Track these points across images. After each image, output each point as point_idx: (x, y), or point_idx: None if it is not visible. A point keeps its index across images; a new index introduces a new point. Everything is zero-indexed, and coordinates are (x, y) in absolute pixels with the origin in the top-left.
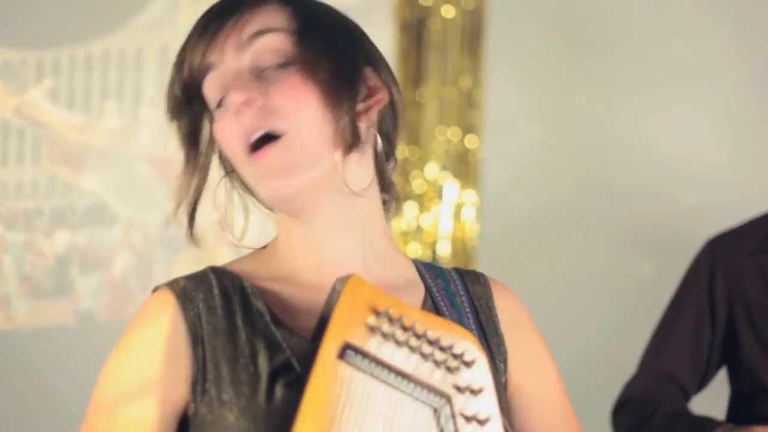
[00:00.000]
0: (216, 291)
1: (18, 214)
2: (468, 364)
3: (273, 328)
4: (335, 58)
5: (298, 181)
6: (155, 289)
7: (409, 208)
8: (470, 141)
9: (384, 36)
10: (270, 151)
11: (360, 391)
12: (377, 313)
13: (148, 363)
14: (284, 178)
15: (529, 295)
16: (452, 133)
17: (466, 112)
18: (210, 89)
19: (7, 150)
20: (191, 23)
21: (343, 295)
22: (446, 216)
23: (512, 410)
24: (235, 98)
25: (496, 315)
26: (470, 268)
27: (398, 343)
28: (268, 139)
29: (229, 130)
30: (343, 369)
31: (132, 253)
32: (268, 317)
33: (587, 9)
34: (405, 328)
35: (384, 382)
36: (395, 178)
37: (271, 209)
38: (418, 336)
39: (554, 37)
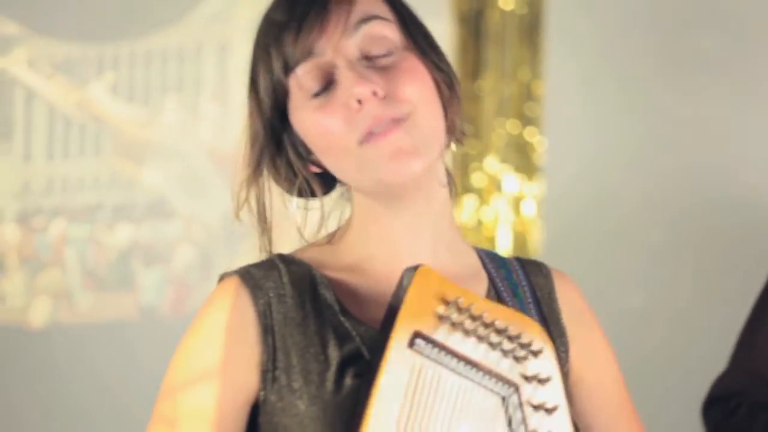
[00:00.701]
0: (285, 279)
1: (80, 208)
2: (535, 354)
3: (342, 318)
4: (433, 47)
5: (420, 163)
6: (222, 277)
7: (469, 201)
8: (530, 133)
9: (442, 28)
10: (395, 132)
11: (429, 379)
12: (446, 303)
13: (217, 351)
14: (408, 160)
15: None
16: (511, 125)
17: (525, 105)
18: (308, 77)
19: (69, 144)
20: (250, 18)
21: (412, 285)
22: (506, 209)
23: (573, 400)
24: (359, 91)
25: (558, 306)
26: None
27: (467, 332)
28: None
29: (337, 120)
30: (413, 357)
31: (193, 247)
32: (336, 307)
33: None
34: (473, 318)
35: (453, 370)
36: (454, 170)
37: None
38: (486, 325)
39: (614, 27)
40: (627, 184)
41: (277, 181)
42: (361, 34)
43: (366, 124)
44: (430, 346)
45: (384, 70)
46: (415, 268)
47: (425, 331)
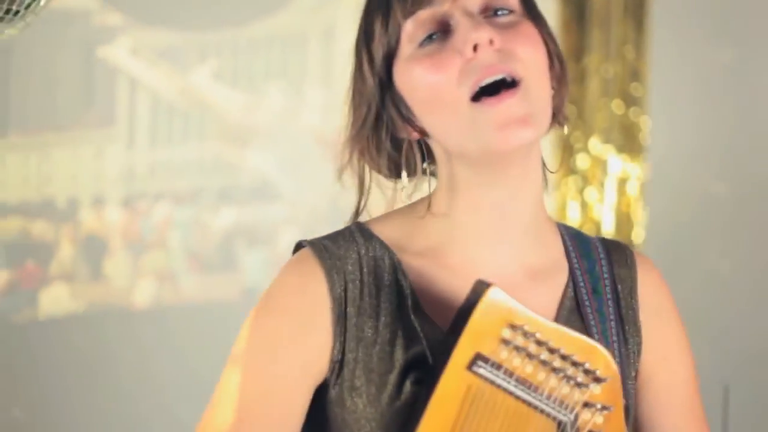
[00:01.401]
0: (364, 262)
1: (184, 192)
2: (598, 381)
3: (413, 316)
4: (546, 23)
5: (531, 133)
6: (298, 246)
7: (573, 182)
8: (634, 114)
9: (545, 8)
10: (510, 98)
11: (485, 401)
12: (513, 327)
13: (289, 334)
14: (519, 128)
15: (693, 273)
16: (616, 106)
17: (630, 85)
18: (421, 23)
19: (172, 130)
20: (355, 2)
21: (479, 306)
22: (610, 190)
23: (640, 400)
24: (474, 35)
25: (636, 302)
26: (634, 241)
27: (530, 356)
28: (500, 86)
29: (450, 70)
30: (471, 379)
31: (297, 229)
32: (410, 302)
33: None
34: (539, 343)
35: (510, 393)
36: (561, 151)
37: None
38: (551, 351)
39: (721, 5)
40: (731, 164)
41: (372, 157)
42: None
43: (477, 74)
44: (490, 368)
45: (502, 27)
46: (486, 286)
47: (487, 353)
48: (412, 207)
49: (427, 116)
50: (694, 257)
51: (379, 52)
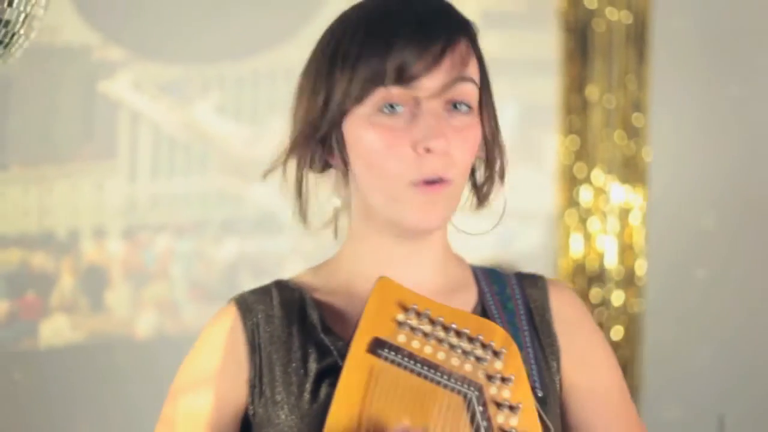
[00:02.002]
0: (276, 302)
1: (186, 223)
2: (497, 354)
3: (322, 335)
4: (495, 117)
5: (442, 222)
6: (229, 301)
7: (576, 213)
8: (636, 144)
9: (549, 40)
10: (441, 192)
11: (389, 382)
12: (405, 309)
13: (212, 366)
14: (437, 215)
15: (695, 298)
16: (618, 136)
17: (632, 115)
18: (391, 96)
19: (174, 163)
20: None
21: (372, 295)
22: (613, 221)
23: (567, 407)
24: (434, 143)
25: (550, 315)
26: (637, 272)
27: (426, 335)
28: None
29: (399, 154)
30: (372, 361)
31: (303, 260)
32: (319, 327)
33: (759, 7)
34: (433, 322)
35: (412, 371)
36: (564, 183)
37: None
38: (446, 329)
39: (720, 36)
40: (732, 192)
41: (307, 164)
42: (456, 90)
43: (422, 174)
44: (388, 350)
45: (455, 130)
46: (380, 277)
47: (384, 336)
48: (325, 262)
49: (363, 171)
50: (694, 286)
51: (339, 94)
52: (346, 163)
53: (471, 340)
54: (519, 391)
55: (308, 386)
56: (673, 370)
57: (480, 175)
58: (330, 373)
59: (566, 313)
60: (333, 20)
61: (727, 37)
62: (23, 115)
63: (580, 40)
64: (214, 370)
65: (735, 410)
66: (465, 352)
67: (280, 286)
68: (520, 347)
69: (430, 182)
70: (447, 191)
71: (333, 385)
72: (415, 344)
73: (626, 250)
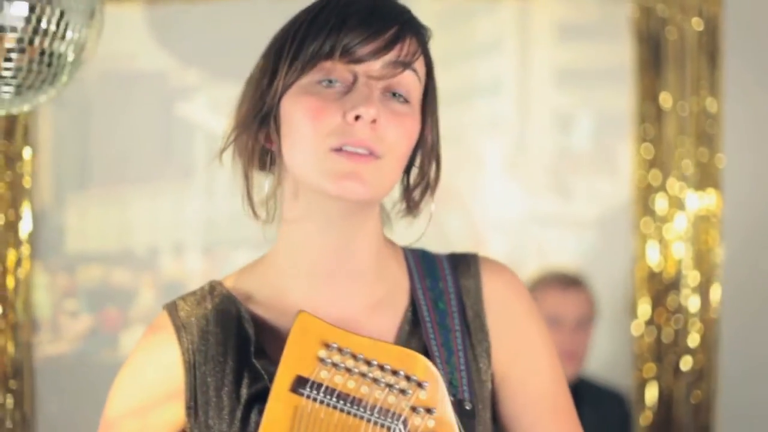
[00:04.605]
0: (212, 316)
1: (262, 239)
2: (421, 385)
3: (254, 359)
4: (436, 115)
5: (364, 195)
6: (163, 308)
7: (652, 221)
8: (710, 151)
9: (622, 49)
10: (367, 164)
11: (313, 419)
12: (327, 346)
13: (146, 388)
14: (362, 188)
15: None
16: (692, 144)
17: (705, 122)
18: (333, 69)
19: None
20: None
21: (292, 332)
22: (689, 228)
23: (501, 399)
24: (363, 109)
25: (483, 309)
26: (712, 279)
27: (349, 370)
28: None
29: (329, 120)
30: (296, 400)
31: None
32: (252, 348)
33: None
34: (355, 357)
35: (336, 408)
36: (639, 191)
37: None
38: (368, 363)
39: None
40: None
41: (247, 147)
42: (397, 78)
43: (346, 139)
44: (311, 388)
45: (391, 114)
46: (300, 312)
47: (306, 374)
48: (262, 258)
49: (290, 141)
50: None
51: (284, 69)
52: (280, 144)
53: (394, 373)
54: (445, 420)
55: (239, 413)
56: (750, 380)
57: (413, 181)
58: (261, 399)
59: (499, 303)
60: None
61: None
62: (103, 138)
63: (652, 49)
64: (149, 399)
65: None
66: (389, 385)
67: (216, 291)
68: (451, 352)
69: (357, 154)
70: (374, 165)
71: (262, 412)
72: (338, 379)
73: (702, 257)
